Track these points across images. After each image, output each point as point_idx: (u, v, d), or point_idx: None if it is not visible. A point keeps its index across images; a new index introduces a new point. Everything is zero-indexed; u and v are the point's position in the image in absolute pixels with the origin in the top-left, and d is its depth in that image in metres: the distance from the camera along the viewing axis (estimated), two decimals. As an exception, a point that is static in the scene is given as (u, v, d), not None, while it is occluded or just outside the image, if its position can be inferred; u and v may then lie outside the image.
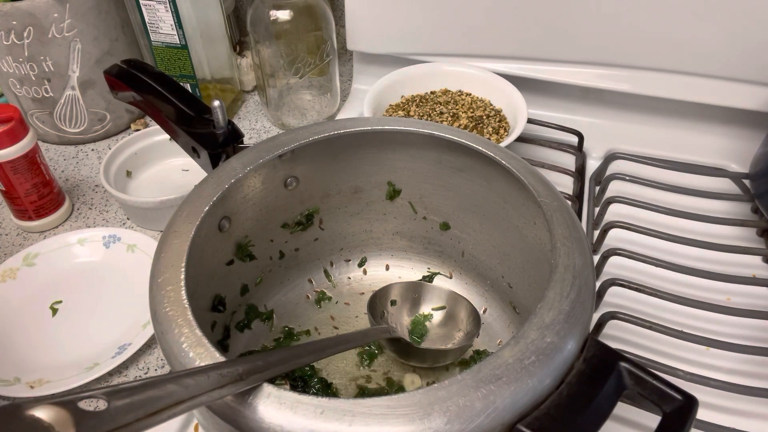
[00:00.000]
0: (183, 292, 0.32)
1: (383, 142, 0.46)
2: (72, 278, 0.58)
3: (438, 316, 0.48)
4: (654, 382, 0.29)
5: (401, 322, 0.48)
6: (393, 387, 0.46)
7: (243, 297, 0.48)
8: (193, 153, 0.47)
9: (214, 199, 0.38)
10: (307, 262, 0.52)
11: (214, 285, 0.44)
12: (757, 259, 0.57)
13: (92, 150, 0.75)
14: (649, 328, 0.47)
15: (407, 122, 0.45)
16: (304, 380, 0.45)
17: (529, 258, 0.44)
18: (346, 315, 0.51)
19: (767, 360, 0.47)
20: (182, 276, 0.33)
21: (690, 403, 0.28)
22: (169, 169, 0.70)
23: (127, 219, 0.65)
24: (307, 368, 0.46)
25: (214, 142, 0.45)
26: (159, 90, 0.50)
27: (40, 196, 0.62)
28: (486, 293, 0.51)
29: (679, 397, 0.28)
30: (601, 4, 0.63)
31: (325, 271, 0.53)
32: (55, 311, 0.55)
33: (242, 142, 0.47)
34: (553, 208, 0.37)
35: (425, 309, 0.49)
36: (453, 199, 0.49)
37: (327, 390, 0.45)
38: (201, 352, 0.29)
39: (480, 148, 0.43)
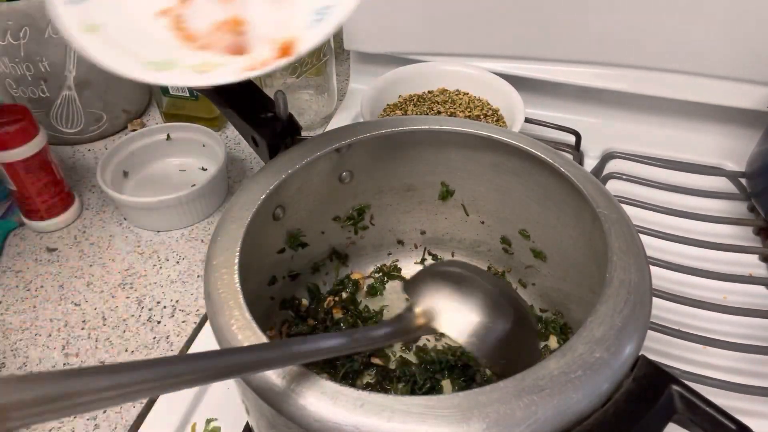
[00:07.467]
0: (236, 276, 0.33)
1: (440, 141, 0.46)
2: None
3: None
4: (707, 409, 0.27)
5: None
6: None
7: (292, 283, 0.48)
8: (252, 142, 0.47)
9: (270, 188, 0.39)
10: (356, 256, 0.53)
11: (265, 271, 0.45)
12: (753, 258, 0.57)
13: (89, 150, 0.75)
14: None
15: (465, 123, 0.45)
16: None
17: (582, 270, 0.43)
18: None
19: (764, 358, 0.47)
20: (236, 260, 0.34)
21: None
22: (166, 168, 0.69)
23: (125, 219, 0.65)
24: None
25: (274, 132, 0.45)
26: None
27: (51, 195, 0.61)
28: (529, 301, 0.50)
29: (733, 426, 0.27)
30: (598, 3, 0.63)
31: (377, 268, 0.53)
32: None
33: (300, 135, 0.47)
34: (611, 219, 0.36)
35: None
36: (507, 203, 0.48)
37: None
38: (249, 335, 0.30)
39: (538, 153, 0.41)
